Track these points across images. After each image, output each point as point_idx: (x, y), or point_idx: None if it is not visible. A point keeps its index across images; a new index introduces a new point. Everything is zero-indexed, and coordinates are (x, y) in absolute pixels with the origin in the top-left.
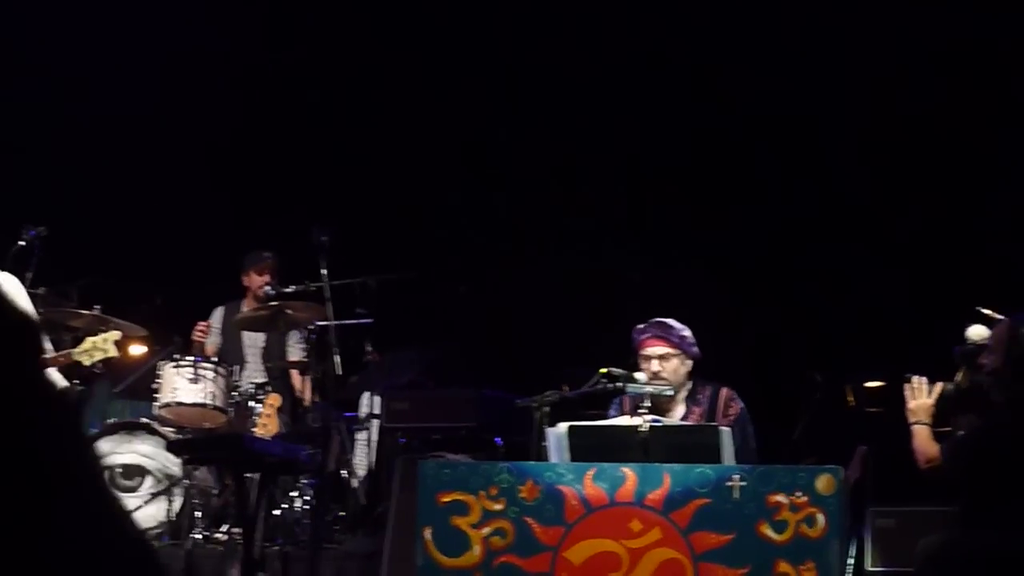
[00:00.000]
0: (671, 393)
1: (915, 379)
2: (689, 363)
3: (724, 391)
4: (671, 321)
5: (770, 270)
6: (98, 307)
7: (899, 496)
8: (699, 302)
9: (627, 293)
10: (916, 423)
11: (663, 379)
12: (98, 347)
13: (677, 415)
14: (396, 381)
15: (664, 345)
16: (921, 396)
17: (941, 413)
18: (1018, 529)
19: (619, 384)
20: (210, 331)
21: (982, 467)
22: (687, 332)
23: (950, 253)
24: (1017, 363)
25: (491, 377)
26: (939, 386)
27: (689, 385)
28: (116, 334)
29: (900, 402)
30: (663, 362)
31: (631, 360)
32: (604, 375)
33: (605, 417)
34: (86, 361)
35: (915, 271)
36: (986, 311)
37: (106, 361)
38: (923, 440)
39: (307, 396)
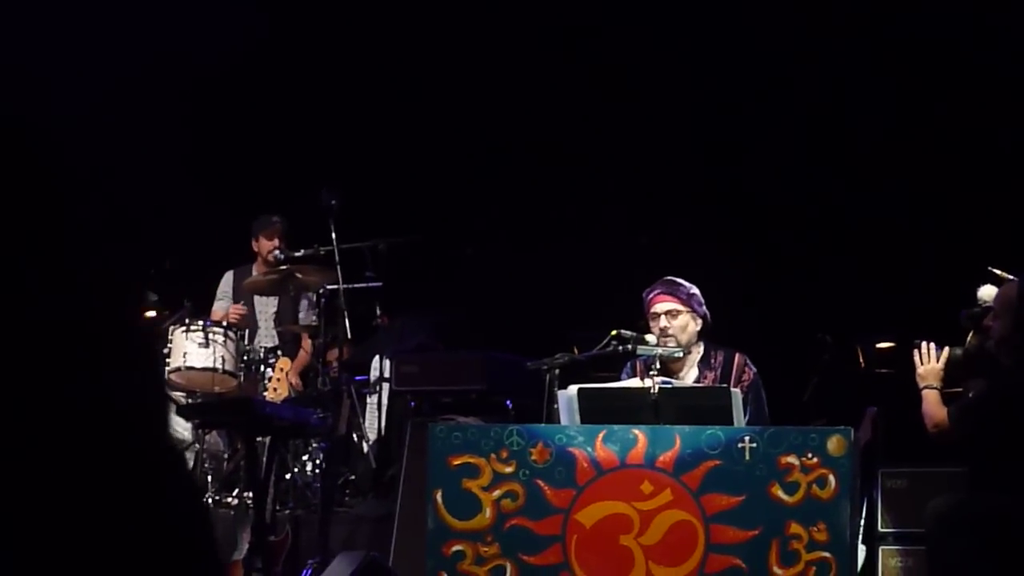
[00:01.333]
0: (680, 354)
1: (923, 344)
2: (698, 322)
3: (738, 356)
4: (679, 279)
5: (779, 232)
6: None
7: (909, 457)
8: (708, 265)
9: (636, 257)
10: (925, 387)
11: (671, 336)
12: None
13: (689, 379)
14: (406, 345)
15: (672, 301)
16: (929, 361)
17: (950, 377)
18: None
19: (629, 346)
20: (222, 296)
21: (989, 430)
22: (695, 290)
23: (965, 211)
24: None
25: (501, 340)
26: (947, 350)
27: (701, 349)
28: None
29: (910, 363)
30: (671, 318)
31: (641, 323)
32: (614, 337)
33: (616, 380)
34: None
35: (928, 230)
36: (997, 271)
37: None
38: (932, 404)
39: (330, 360)
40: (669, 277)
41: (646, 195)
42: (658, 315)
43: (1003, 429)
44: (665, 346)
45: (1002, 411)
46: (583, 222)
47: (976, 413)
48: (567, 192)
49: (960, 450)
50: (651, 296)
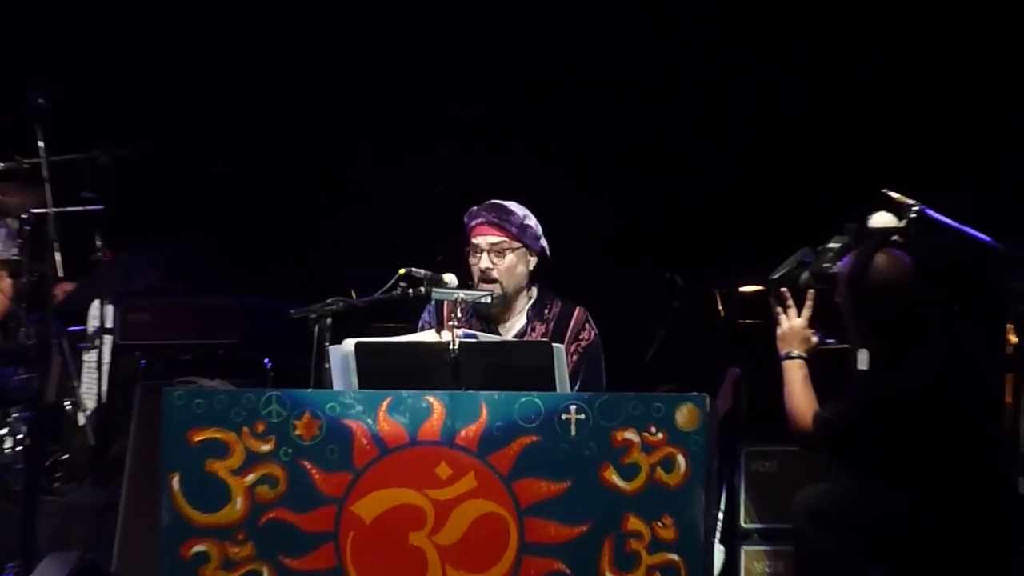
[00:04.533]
0: (488, 301)
1: (784, 292)
2: (532, 260)
3: (578, 311)
4: (511, 204)
5: (616, 146)
6: None
7: (780, 433)
8: (529, 186)
9: (434, 173)
10: (787, 357)
11: (493, 280)
12: None
13: (513, 330)
14: (135, 286)
15: (498, 233)
16: (790, 315)
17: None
18: (926, 486)
19: (422, 289)
20: None
21: (865, 448)
22: (532, 220)
23: (855, 119)
24: (869, 312)
25: (257, 281)
26: (812, 296)
27: (534, 293)
28: None
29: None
30: (495, 256)
31: (439, 260)
32: (403, 277)
33: (407, 331)
34: None
35: (804, 138)
36: (893, 194)
37: None
38: (796, 390)
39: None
40: (496, 201)
41: (446, 91)
42: (480, 250)
43: (884, 435)
44: (473, 290)
45: (876, 418)
46: (364, 128)
47: (845, 431)
48: (345, 89)
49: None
50: (473, 224)
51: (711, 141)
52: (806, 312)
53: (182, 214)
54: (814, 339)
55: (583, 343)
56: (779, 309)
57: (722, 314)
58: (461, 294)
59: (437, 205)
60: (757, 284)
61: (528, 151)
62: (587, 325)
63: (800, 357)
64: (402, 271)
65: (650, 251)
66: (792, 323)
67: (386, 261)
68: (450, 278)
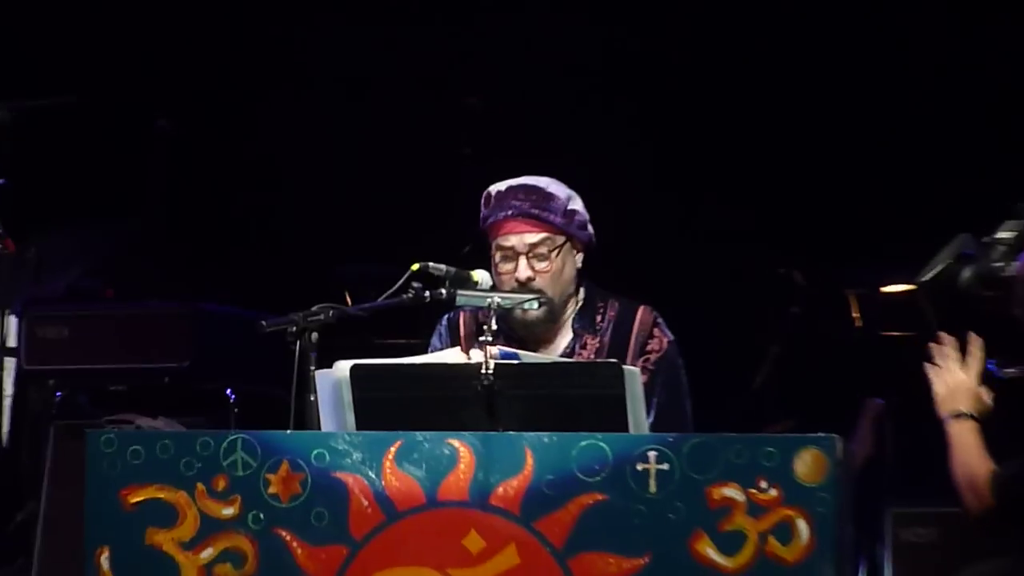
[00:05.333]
0: (536, 307)
1: (943, 338)
2: (579, 257)
3: (642, 312)
4: (549, 183)
5: (711, 99)
6: None
7: (939, 489)
8: (587, 148)
9: (461, 129)
10: (955, 416)
11: (536, 290)
12: None
13: (559, 347)
14: (47, 289)
15: (539, 228)
16: (952, 369)
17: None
18: None
19: (442, 292)
20: None
21: None
22: (577, 202)
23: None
24: None
25: (217, 281)
26: (977, 344)
27: (580, 297)
28: None
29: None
30: (537, 260)
31: (469, 248)
32: (416, 275)
33: (422, 350)
34: None
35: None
36: None
37: None
38: (968, 456)
39: None
40: (529, 180)
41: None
42: (513, 253)
43: None
44: (510, 294)
45: None
46: (358, 75)
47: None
48: (333, 29)
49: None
50: (500, 219)
51: (834, 100)
52: (975, 365)
53: (113, 191)
54: (987, 398)
55: (653, 355)
56: (935, 362)
57: (858, 324)
58: (498, 298)
59: (463, 175)
60: (904, 283)
61: (593, 109)
62: (656, 331)
63: (971, 417)
64: (415, 267)
65: (760, 240)
66: (956, 377)
67: (392, 253)
68: (481, 276)
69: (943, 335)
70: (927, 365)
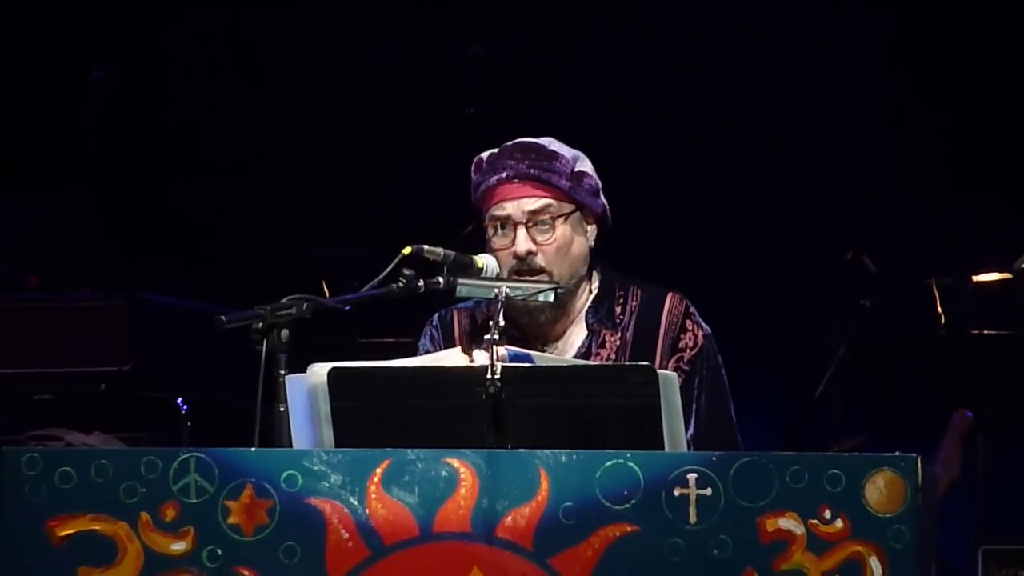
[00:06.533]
0: (551, 297)
1: None
2: (591, 231)
3: (671, 299)
4: (551, 142)
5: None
6: None
7: None
8: (614, 110)
9: (463, 85)
10: None
11: (537, 270)
12: None
13: (571, 345)
14: None
15: (540, 192)
16: None
17: None
18: None
19: (440, 279)
20: None
21: None
22: (587, 164)
23: None
24: None
25: (164, 267)
26: None
27: (595, 284)
28: None
29: None
30: (538, 231)
31: (470, 228)
32: (408, 260)
33: (411, 351)
34: None
35: None
36: None
37: None
38: None
39: None
40: (527, 139)
41: None
42: (510, 223)
43: None
44: (515, 281)
45: None
46: (335, 13)
47: None
48: None
49: None
50: (492, 184)
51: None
52: None
53: (36, 156)
54: None
55: (687, 353)
56: None
57: (943, 320)
58: (505, 287)
59: (462, 140)
60: (999, 271)
61: (624, 59)
62: (689, 322)
63: None
64: (407, 250)
65: (820, 218)
66: None
67: (378, 234)
68: (487, 261)
69: None
70: None
